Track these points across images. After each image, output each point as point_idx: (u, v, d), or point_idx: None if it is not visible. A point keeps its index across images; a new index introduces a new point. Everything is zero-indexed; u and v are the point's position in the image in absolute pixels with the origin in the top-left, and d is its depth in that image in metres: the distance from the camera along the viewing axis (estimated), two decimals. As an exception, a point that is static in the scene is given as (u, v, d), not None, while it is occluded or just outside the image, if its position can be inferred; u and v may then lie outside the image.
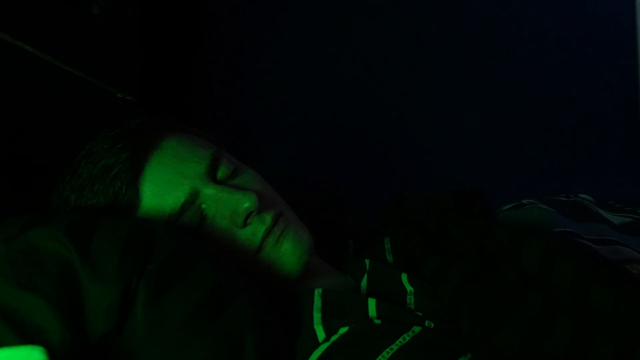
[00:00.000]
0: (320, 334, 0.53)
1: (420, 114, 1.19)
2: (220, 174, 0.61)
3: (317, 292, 0.57)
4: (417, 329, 0.51)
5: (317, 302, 0.56)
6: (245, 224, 0.59)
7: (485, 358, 0.49)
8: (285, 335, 0.55)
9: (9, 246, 0.47)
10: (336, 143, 1.19)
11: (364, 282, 0.62)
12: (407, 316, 0.53)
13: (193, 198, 0.58)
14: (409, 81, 1.19)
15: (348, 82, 1.20)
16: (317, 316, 0.55)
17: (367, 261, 0.64)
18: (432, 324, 0.52)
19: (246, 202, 0.58)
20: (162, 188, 0.58)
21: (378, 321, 0.52)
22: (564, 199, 0.72)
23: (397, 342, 0.49)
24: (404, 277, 0.59)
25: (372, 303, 0.55)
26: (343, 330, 0.52)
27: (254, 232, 0.59)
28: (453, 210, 0.71)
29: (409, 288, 0.58)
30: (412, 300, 0.57)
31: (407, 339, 0.50)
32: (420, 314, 0.54)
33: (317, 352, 0.52)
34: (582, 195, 0.73)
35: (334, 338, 0.52)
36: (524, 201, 0.71)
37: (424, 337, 0.50)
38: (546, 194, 0.73)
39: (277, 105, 1.21)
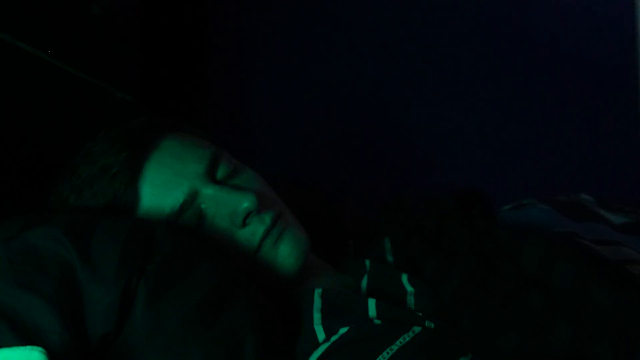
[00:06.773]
0: (320, 334, 0.53)
1: (420, 114, 1.19)
2: (220, 173, 0.61)
3: (317, 292, 0.57)
4: (417, 329, 0.51)
5: (317, 302, 0.56)
6: (244, 224, 0.59)
7: (485, 358, 0.48)
8: (285, 336, 0.54)
9: (8, 246, 0.47)
10: (336, 143, 1.19)
11: (364, 282, 0.62)
12: (407, 316, 0.53)
13: (192, 198, 0.58)
14: (409, 81, 1.19)
15: (348, 82, 1.20)
16: (317, 316, 0.55)
17: (367, 261, 0.64)
18: (432, 324, 0.52)
19: (245, 202, 0.58)
20: (161, 188, 0.58)
21: (378, 321, 0.52)
22: (564, 199, 0.72)
23: (397, 342, 0.49)
24: (404, 278, 0.59)
25: (372, 303, 0.54)
26: (343, 330, 0.52)
27: (253, 232, 0.59)
28: (453, 211, 0.71)
29: (409, 288, 0.58)
30: (412, 301, 0.57)
31: (407, 339, 0.50)
32: (421, 314, 0.54)
33: (317, 353, 0.52)
34: (582, 195, 0.73)
35: (334, 338, 0.52)
36: (524, 201, 0.71)
37: (424, 337, 0.50)
38: (546, 194, 0.73)
39: (277, 106, 1.21)
